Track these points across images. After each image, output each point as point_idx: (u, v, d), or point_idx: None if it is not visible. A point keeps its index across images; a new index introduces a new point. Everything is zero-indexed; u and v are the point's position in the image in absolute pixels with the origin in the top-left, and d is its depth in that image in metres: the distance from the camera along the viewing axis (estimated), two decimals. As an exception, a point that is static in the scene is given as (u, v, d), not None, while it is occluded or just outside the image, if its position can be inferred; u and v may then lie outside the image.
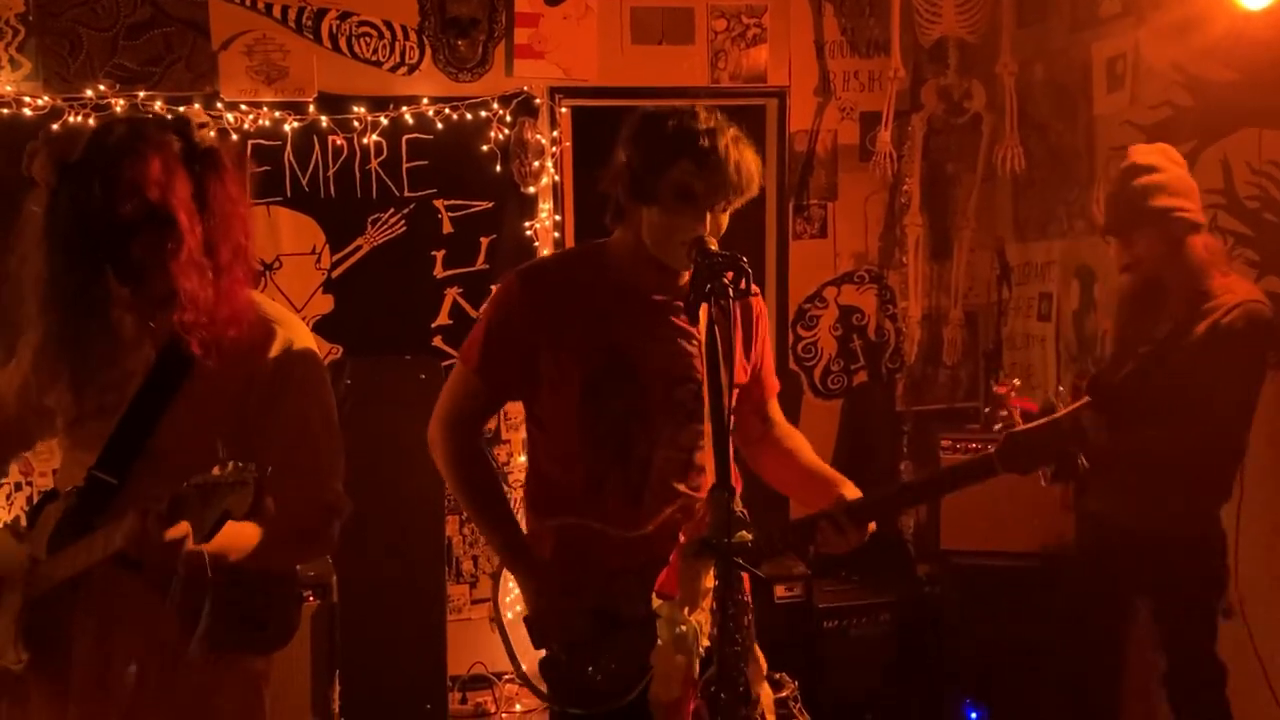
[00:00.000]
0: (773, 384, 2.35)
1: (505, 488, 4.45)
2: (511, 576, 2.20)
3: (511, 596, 2.24)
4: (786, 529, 2.14)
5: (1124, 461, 2.99)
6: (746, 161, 2.00)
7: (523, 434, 4.42)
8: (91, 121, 3.93)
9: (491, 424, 4.34)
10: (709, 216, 1.98)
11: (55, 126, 3.91)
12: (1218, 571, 3.09)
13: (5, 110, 3.95)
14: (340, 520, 2.03)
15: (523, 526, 2.26)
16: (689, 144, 1.97)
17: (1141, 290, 3.07)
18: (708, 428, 2.05)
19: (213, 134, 1.93)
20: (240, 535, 1.80)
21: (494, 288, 4.38)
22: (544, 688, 2.14)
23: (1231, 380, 2.90)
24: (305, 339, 2.00)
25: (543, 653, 2.16)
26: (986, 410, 3.01)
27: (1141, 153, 3.05)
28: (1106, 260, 4.00)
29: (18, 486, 3.98)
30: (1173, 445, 2.89)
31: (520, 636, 2.19)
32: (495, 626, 2.23)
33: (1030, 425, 2.12)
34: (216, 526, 1.64)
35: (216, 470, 1.64)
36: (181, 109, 3.93)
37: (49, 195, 1.88)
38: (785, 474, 2.31)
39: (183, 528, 1.65)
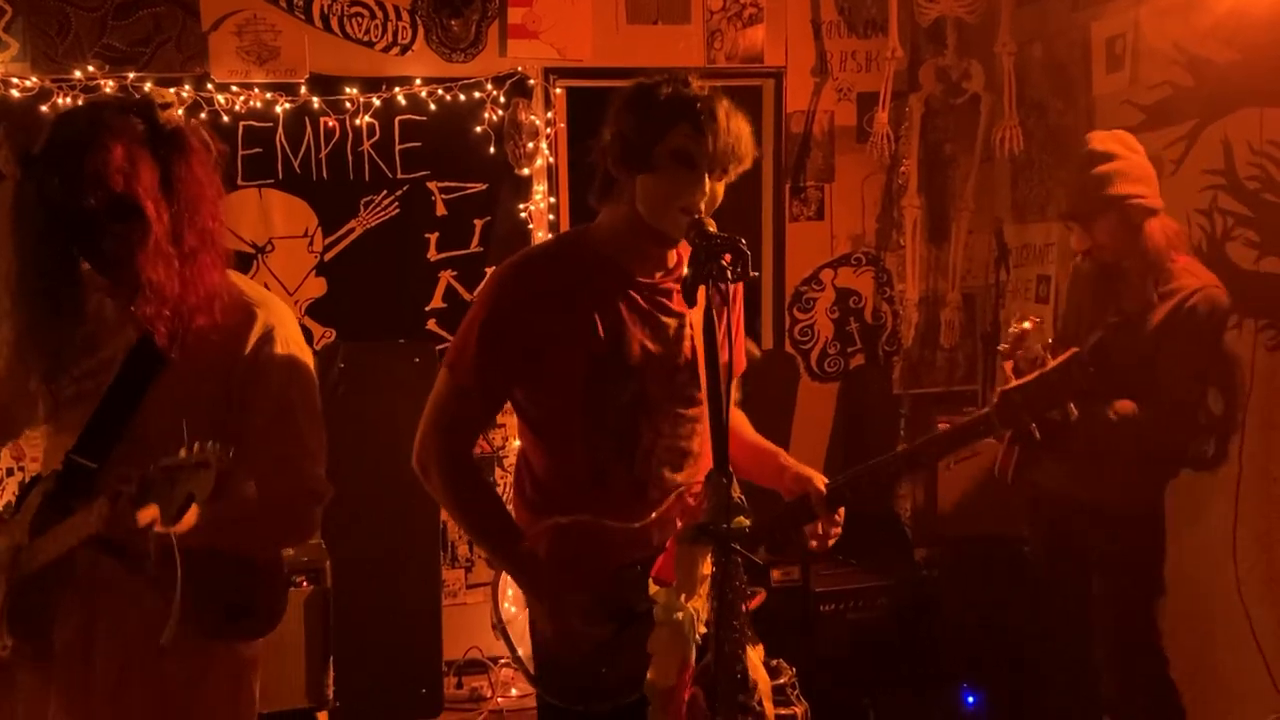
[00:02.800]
0: (741, 363, 2.29)
1: (500, 471, 4.44)
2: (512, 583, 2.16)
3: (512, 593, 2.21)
4: (760, 534, 2.03)
5: (1076, 432, 3.00)
6: (743, 131, 1.99)
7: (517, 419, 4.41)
8: (80, 103, 3.89)
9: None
10: (706, 181, 1.96)
11: (45, 108, 3.89)
12: (1157, 551, 3.13)
13: (-7, 91, 3.91)
14: (320, 505, 2.00)
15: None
16: (686, 108, 1.95)
17: (1098, 274, 3.12)
18: (704, 410, 2.02)
19: (179, 113, 1.88)
20: (213, 519, 1.76)
21: (488, 270, 4.40)
22: (549, 688, 2.11)
23: (1189, 362, 2.96)
24: (287, 322, 1.97)
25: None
26: (1006, 345, 3.04)
27: (1099, 139, 3.07)
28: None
29: (9, 472, 3.95)
30: (1126, 420, 2.92)
31: (522, 635, 2.17)
32: (499, 634, 2.20)
33: (1022, 380, 2.18)
34: (183, 509, 1.62)
35: (183, 452, 1.61)
36: (172, 89, 3.93)
37: (14, 187, 1.84)
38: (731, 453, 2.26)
39: (151, 510, 1.63)
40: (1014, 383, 2.18)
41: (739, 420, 2.32)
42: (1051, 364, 2.16)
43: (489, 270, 4.42)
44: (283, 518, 1.97)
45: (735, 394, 2.31)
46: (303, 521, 2.00)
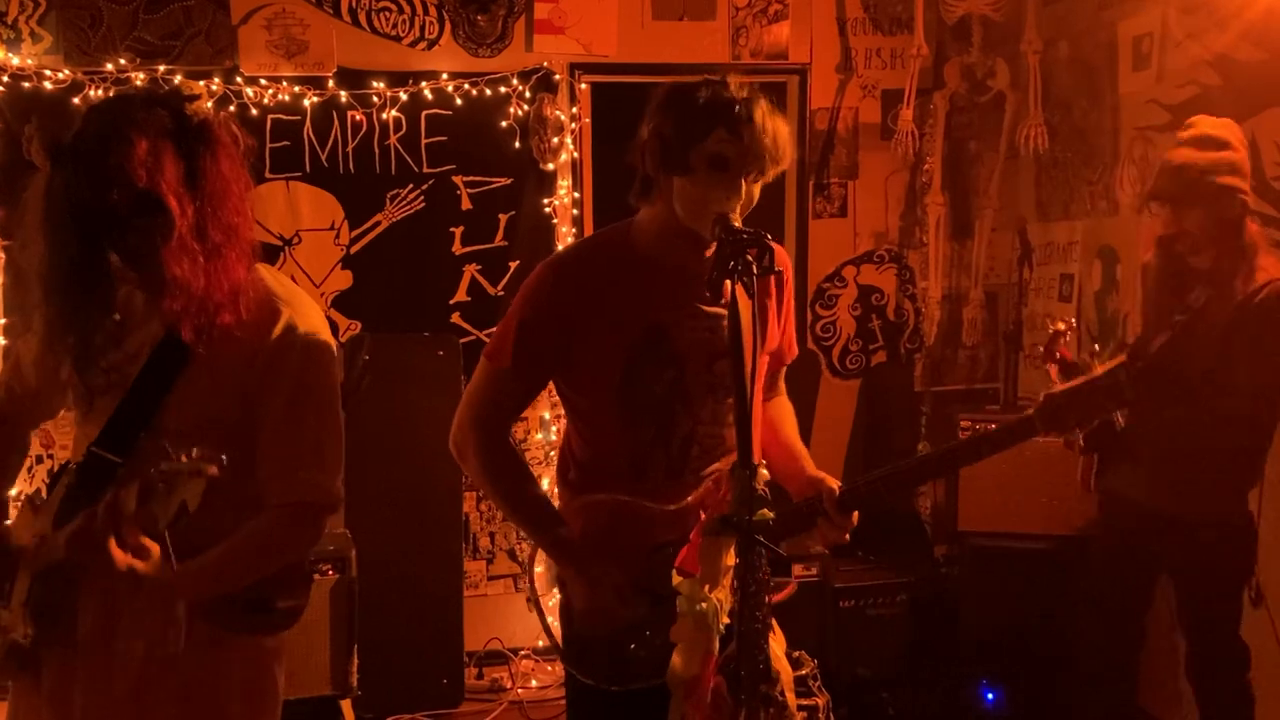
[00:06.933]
0: (792, 351, 2.33)
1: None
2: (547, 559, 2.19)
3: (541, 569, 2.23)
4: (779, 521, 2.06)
5: (1153, 439, 2.98)
6: (781, 132, 1.98)
7: (540, 411, 4.45)
8: (113, 95, 3.93)
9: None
10: (743, 186, 1.96)
11: (77, 100, 3.94)
12: (1245, 556, 3.08)
13: (26, 84, 3.95)
14: (326, 515, 1.96)
15: (556, 506, 2.25)
16: (724, 113, 1.95)
17: (1173, 266, 3.01)
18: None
19: (206, 106, 1.88)
20: (207, 571, 1.80)
21: (512, 264, 4.43)
22: (581, 666, 2.13)
23: (1261, 359, 2.88)
24: (312, 321, 1.93)
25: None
26: (1043, 348, 3.07)
27: (1211, 125, 2.94)
28: (1129, 241, 3.98)
29: (39, 459, 4.01)
30: (1202, 424, 2.88)
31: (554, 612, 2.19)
32: (532, 606, 2.22)
33: (1068, 385, 2.12)
34: (179, 515, 1.62)
35: (184, 458, 1.62)
36: (202, 82, 3.96)
37: (44, 180, 1.85)
38: (764, 444, 2.28)
39: (123, 556, 1.65)
40: (1059, 387, 2.11)
41: (784, 413, 2.34)
42: (1099, 370, 2.09)
43: (513, 265, 4.45)
44: (279, 539, 1.91)
45: (780, 381, 2.34)
46: (302, 537, 1.95)
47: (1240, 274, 2.88)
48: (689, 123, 1.97)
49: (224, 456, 1.63)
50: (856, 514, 2.07)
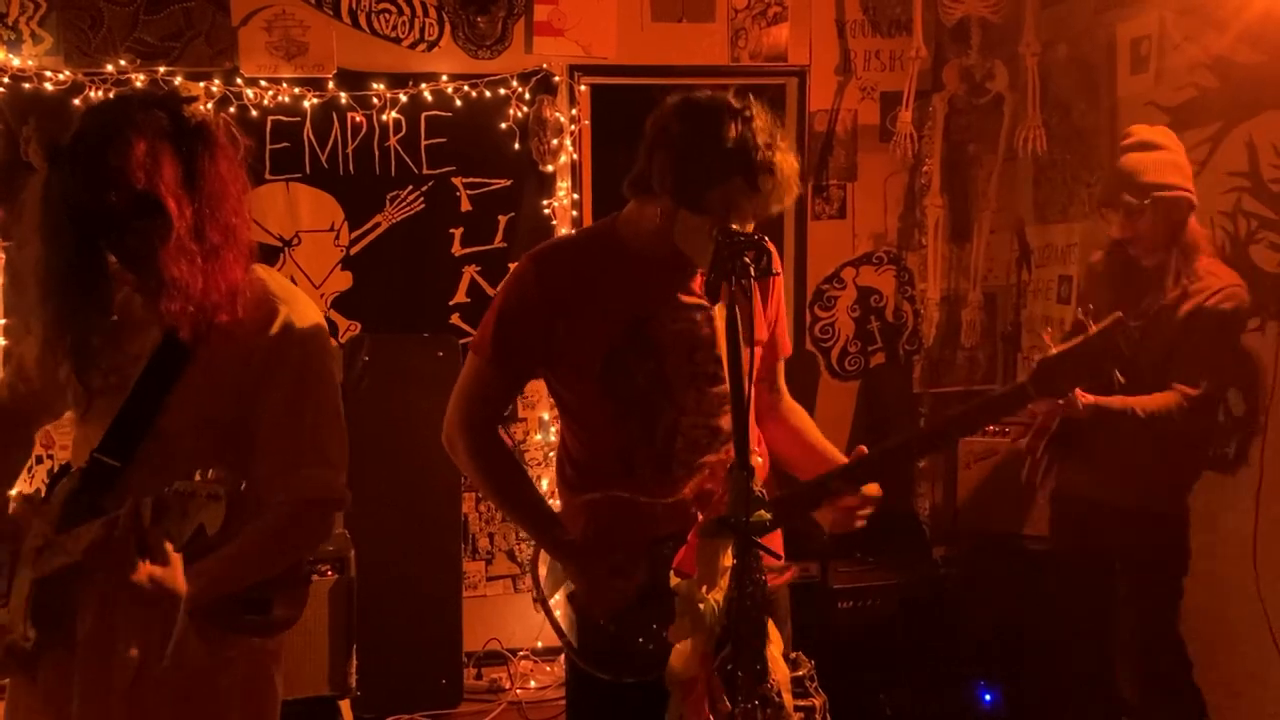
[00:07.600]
0: (785, 347, 2.35)
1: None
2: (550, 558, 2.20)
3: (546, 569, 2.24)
4: (786, 502, 2.10)
5: (1099, 434, 3.01)
6: (793, 176, 1.97)
7: (539, 412, 4.46)
8: (112, 96, 3.94)
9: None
10: (748, 226, 1.96)
11: (77, 101, 3.94)
12: (1181, 550, 3.13)
13: (27, 85, 3.96)
14: (333, 512, 1.96)
15: (557, 505, 2.26)
16: (747, 164, 1.92)
17: (1124, 268, 3.09)
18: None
19: (204, 108, 1.87)
20: (215, 573, 1.80)
21: (511, 265, 4.43)
22: (585, 655, 2.13)
23: (1210, 361, 2.97)
24: (310, 318, 1.93)
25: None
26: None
27: (1149, 131, 3.08)
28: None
29: (39, 459, 4.01)
30: (1148, 420, 2.92)
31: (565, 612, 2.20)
32: (540, 606, 2.23)
33: (1062, 347, 2.11)
34: (194, 538, 1.62)
35: (197, 476, 1.62)
36: (202, 84, 3.97)
37: (42, 181, 1.85)
38: (796, 451, 2.31)
39: (145, 567, 1.66)
40: (1052, 350, 2.09)
41: (804, 421, 2.35)
42: (1094, 329, 2.07)
43: (512, 266, 4.45)
44: (286, 537, 1.91)
45: (780, 379, 2.35)
46: (310, 534, 1.95)
47: (1186, 274, 2.97)
48: (710, 161, 1.93)
49: (242, 483, 1.63)
50: (856, 490, 2.07)
